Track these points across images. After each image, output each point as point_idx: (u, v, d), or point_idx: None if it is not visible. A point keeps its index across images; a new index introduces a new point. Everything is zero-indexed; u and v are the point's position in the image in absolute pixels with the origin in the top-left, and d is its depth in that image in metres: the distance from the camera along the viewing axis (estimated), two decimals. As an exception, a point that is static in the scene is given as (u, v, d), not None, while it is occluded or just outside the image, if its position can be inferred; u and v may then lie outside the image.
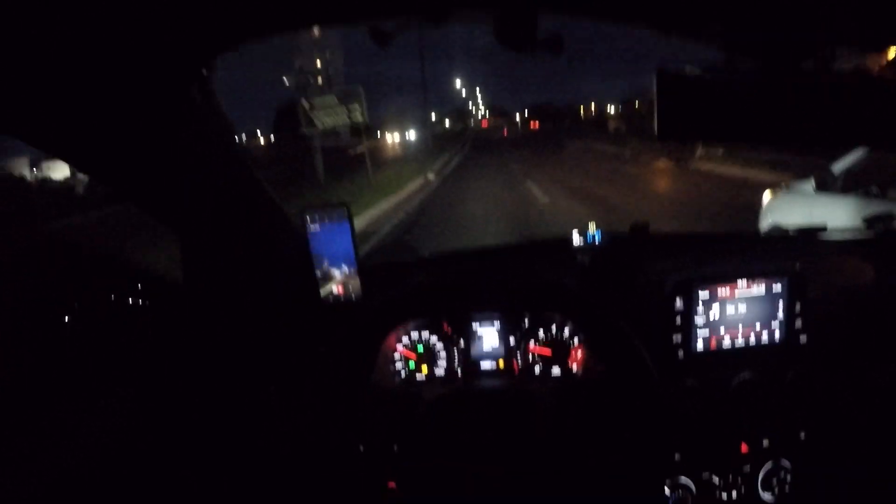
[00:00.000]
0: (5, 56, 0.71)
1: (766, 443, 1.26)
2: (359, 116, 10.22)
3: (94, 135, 0.91)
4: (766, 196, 5.32)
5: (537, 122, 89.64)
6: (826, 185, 4.69)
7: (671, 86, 0.87)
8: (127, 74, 0.83)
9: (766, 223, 5.06)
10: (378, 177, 16.27)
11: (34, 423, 1.03)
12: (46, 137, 0.91)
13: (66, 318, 1.22)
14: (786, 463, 1.27)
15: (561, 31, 0.79)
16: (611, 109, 70.34)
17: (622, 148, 21.51)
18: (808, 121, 0.92)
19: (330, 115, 10.00)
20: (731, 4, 0.89)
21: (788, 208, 4.95)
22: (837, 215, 4.28)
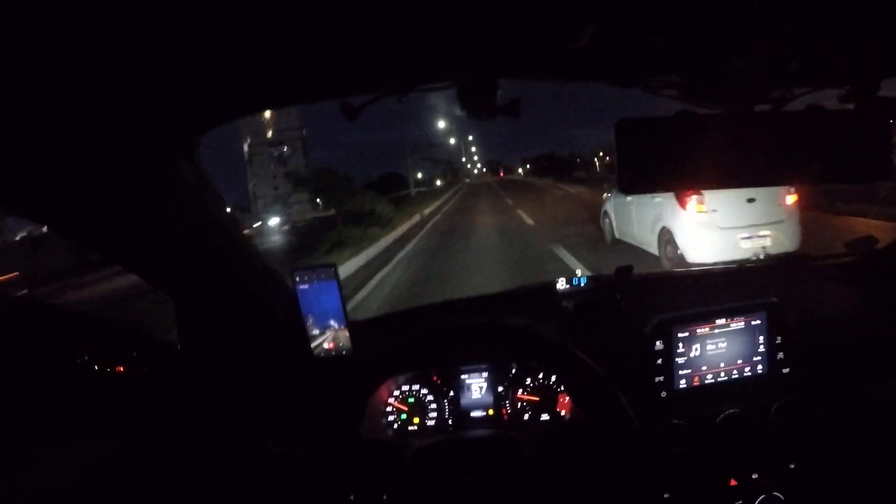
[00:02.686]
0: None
1: (755, 476, 1.26)
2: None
3: (88, 207, 0.96)
4: (605, 195, 9.62)
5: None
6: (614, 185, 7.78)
7: (631, 133, 0.92)
8: (120, 149, 0.88)
9: (602, 211, 9.38)
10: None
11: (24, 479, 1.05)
12: (40, 210, 0.95)
13: (65, 381, 1.25)
14: (777, 495, 1.27)
15: (519, 97, 0.84)
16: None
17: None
18: (767, 160, 0.97)
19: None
20: (686, 55, 0.95)
21: (609, 202, 9.01)
22: (618, 203, 8.44)
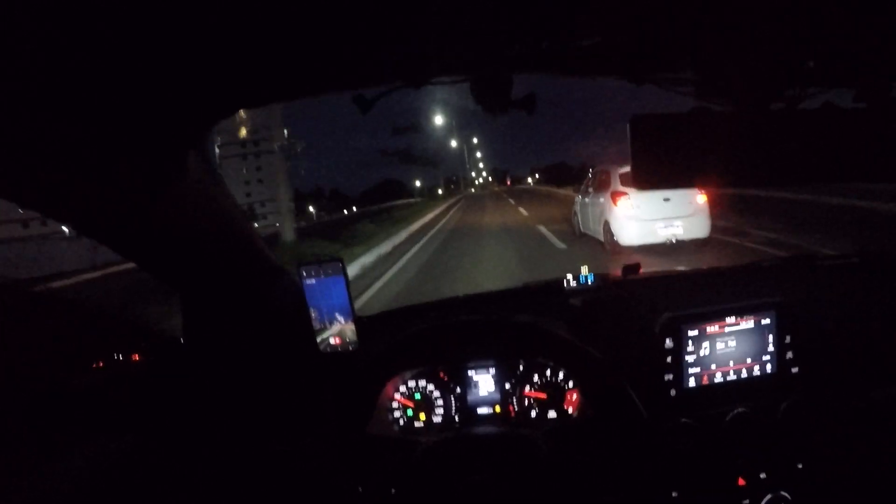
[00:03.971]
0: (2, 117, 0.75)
1: (763, 476, 1.26)
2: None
3: (94, 200, 0.95)
4: (575, 198, 11.73)
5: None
6: (580, 191, 11.30)
7: (645, 129, 0.91)
8: (128, 140, 0.87)
9: (573, 212, 11.68)
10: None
11: (30, 472, 1.04)
12: (47, 201, 0.94)
13: (68, 376, 1.25)
14: (785, 495, 1.26)
15: (534, 92, 0.83)
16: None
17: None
18: (783, 159, 0.96)
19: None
20: (700, 51, 0.94)
21: (576, 204, 11.34)
22: (581, 205, 10.71)
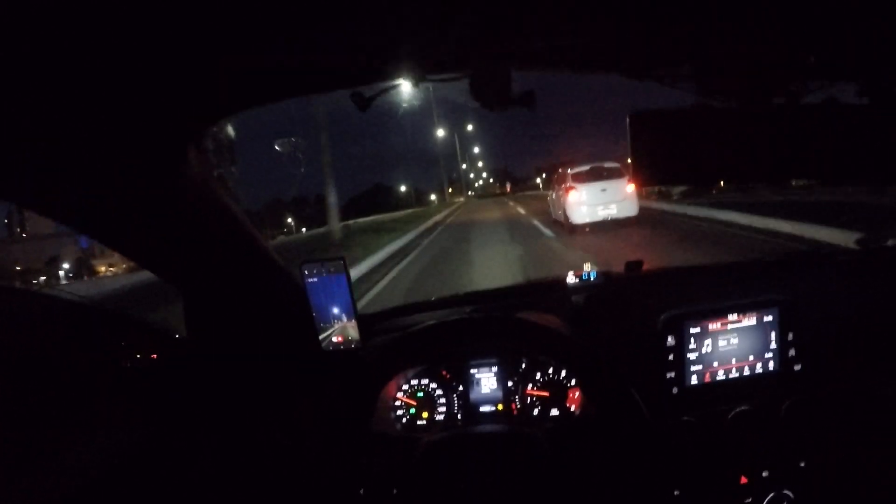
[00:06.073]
0: (5, 121, 0.75)
1: (765, 474, 1.25)
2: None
3: (95, 199, 0.95)
4: (549, 193, 16.28)
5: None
6: (551, 188, 16.65)
7: (644, 126, 0.90)
8: (128, 139, 0.88)
9: (548, 202, 15.66)
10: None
11: (37, 466, 1.05)
12: (48, 203, 0.95)
13: (76, 373, 1.25)
14: (788, 493, 1.26)
15: (533, 90, 0.83)
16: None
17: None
18: (784, 154, 0.95)
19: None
20: (700, 46, 0.94)
21: (549, 198, 15.43)
22: (551, 198, 14.99)
